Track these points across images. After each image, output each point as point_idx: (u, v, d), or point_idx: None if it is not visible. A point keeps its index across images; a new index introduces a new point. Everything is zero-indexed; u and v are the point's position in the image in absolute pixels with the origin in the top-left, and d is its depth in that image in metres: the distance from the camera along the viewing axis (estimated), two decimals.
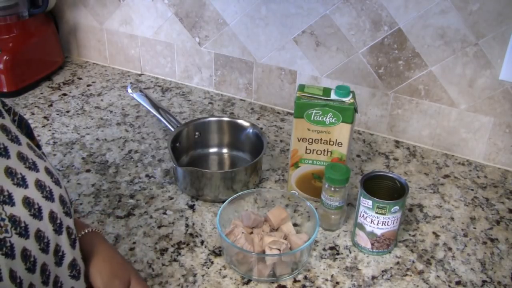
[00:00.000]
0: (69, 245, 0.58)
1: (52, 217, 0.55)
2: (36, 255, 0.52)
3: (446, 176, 1.04)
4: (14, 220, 0.51)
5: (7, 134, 0.56)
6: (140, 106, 1.19)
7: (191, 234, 0.87)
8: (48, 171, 0.58)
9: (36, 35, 1.33)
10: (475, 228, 0.91)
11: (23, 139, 0.58)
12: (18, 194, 0.52)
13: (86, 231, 0.66)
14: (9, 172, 0.53)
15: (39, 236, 0.53)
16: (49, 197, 0.56)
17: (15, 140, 0.56)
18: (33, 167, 0.56)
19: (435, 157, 1.10)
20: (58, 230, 0.56)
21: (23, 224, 0.51)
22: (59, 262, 0.57)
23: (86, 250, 0.63)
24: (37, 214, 0.53)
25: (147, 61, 1.40)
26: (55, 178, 0.58)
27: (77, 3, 1.40)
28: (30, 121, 1.17)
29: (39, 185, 0.55)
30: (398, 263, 0.83)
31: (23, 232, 0.51)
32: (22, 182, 0.53)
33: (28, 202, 0.53)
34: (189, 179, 0.94)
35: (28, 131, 0.70)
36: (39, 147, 0.73)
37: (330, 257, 0.84)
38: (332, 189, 0.85)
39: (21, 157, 0.55)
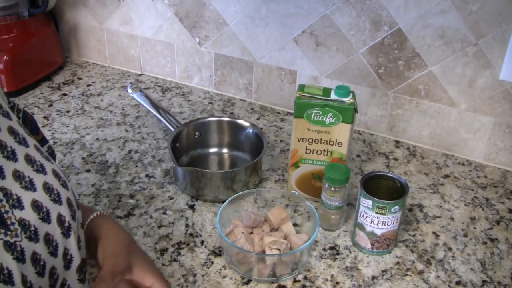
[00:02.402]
0: (77, 248, 0.58)
1: (60, 220, 0.55)
2: (45, 259, 0.52)
3: (446, 176, 1.04)
4: (23, 224, 0.51)
5: (14, 137, 0.56)
6: (140, 106, 1.19)
7: (191, 234, 0.87)
8: (55, 174, 0.58)
9: (36, 35, 1.33)
10: (475, 228, 0.91)
11: (31, 141, 0.58)
12: (26, 197, 0.52)
13: (95, 214, 0.66)
14: (17, 176, 0.52)
15: (48, 240, 0.53)
16: (57, 200, 0.55)
17: (22, 142, 0.56)
18: (41, 169, 0.56)
19: (435, 157, 1.10)
20: (66, 233, 0.56)
21: (32, 228, 0.51)
22: (67, 265, 0.57)
23: (95, 232, 0.63)
24: (45, 217, 0.53)
25: (147, 61, 1.40)
26: (63, 181, 0.58)
27: (77, 3, 1.40)
28: None
29: (47, 188, 0.55)
30: (398, 263, 0.83)
31: (33, 236, 0.51)
32: (30, 185, 0.53)
33: (36, 206, 0.53)
34: (189, 179, 0.94)
35: (32, 126, 0.70)
36: (45, 141, 0.73)
37: (330, 257, 0.84)
38: (332, 189, 0.85)
39: (29, 159, 0.55)
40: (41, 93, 1.31)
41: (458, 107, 1.07)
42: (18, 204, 0.51)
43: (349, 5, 1.07)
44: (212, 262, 0.82)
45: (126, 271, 0.61)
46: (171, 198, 0.95)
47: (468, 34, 0.99)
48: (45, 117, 1.20)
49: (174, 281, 0.78)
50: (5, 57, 1.25)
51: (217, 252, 0.84)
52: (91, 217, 0.65)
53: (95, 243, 0.64)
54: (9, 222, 0.49)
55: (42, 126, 1.16)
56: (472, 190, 1.01)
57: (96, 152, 1.08)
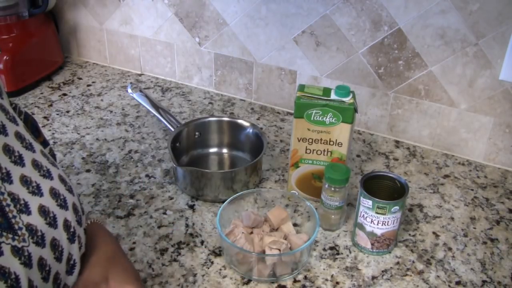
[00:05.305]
0: (79, 254, 0.58)
1: (66, 225, 0.55)
2: (51, 264, 0.52)
3: (446, 176, 1.04)
4: (31, 229, 0.51)
5: (21, 142, 0.55)
6: (140, 106, 1.19)
7: (191, 234, 0.87)
8: (61, 179, 0.58)
9: (36, 35, 1.33)
10: (475, 228, 0.91)
11: (37, 146, 0.58)
12: (34, 202, 0.52)
13: (88, 222, 0.66)
14: (25, 181, 0.52)
15: (54, 245, 0.53)
16: (63, 205, 0.55)
17: (29, 147, 0.56)
18: (48, 175, 0.56)
19: (435, 157, 1.10)
20: (71, 239, 0.56)
21: (39, 233, 0.51)
22: (70, 271, 0.57)
23: (87, 244, 0.63)
24: (52, 222, 0.53)
25: (147, 61, 1.40)
26: (68, 186, 0.58)
27: (77, 3, 1.40)
28: None
29: (54, 193, 0.55)
30: (398, 263, 0.83)
31: (40, 241, 0.51)
32: (37, 191, 0.53)
33: (43, 211, 0.53)
34: (189, 179, 0.94)
35: (33, 130, 0.70)
36: (46, 143, 0.73)
37: (330, 257, 0.84)
38: (332, 189, 0.85)
39: (36, 164, 0.55)
40: (41, 93, 1.31)
41: (458, 107, 1.07)
42: (25, 209, 0.51)
43: (349, 5, 1.07)
44: (212, 262, 0.82)
45: (101, 283, 0.59)
46: (171, 198, 0.95)
47: (468, 34, 0.99)
48: (45, 117, 1.20)
49: (174, 281, 0.78)
50: (5, 57, 1.25)
51: (217, 252, 0.84)
52: (85, 225, 0.65)
53: (84, 253, 0.63)
54: (16, 227, 0.49)
55: (42, 126, 1.16)
56: (472, 190, 1.01)
57: (96, 152, 1.08)
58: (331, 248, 0.86)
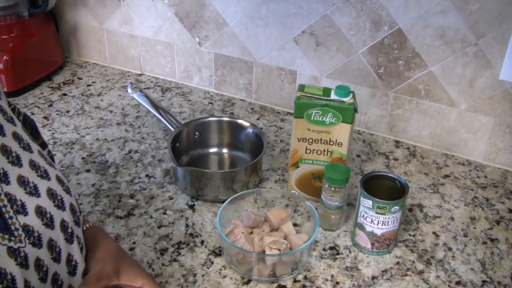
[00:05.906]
0: (80, 253, 0.58)
1: (63, 226, 0.55)
2: (48, 265, 0.52)
3: (446, 176, 1.04)
4: (27, 230, 0.51)
5: (19, 142, 0.55)
6: (140, 106, 1.19)
7: (191, 234, 0.87)
8: (59, 180, 0.58)
9: (36, 35, 1.33)
10: (475, 228, 0.91)
11: (35, 147, 0.58)
12: (31, 203, 0.52)
13: (88, 225, 0.66)
14: (22, 181, 0.52)
15: (52, 246, 0.53)
16: (60, 206, 0.55)
17: (27, 148, 0.56)
18: (45, 175, 0.56)
19: (435, 157, 1.10)
20: (69, 239, 0.56)
21: (36, 234, 0.51)
22: (72, 271, 0.57)
23: (87, 245, 0.63)
24: (49, 223, 0.53)
25: (147, 61, 1.40)
26: (66, 187, 0.58)
27: (77, 3, 1.40)
28: None
29: (51, 194, 0.55)
30: (398, 263, 0.83)
31: (37, 242, 0.51)
32: (34, 191, 0.53)
33: (40, 211, 0.53)
34: (189, 179, 0.94)
35: (32, 131, 0.70)
36: (45, 145, 0.73)
37: (330, 257, 0.84)
38: (332, 189, 0.85)
39: (33, 165, 0.55)
40: (41, 93, 1.31)
41: (458, 107, 1.07)
42: (22, 209, 0.51)
43: (349, 5, 1.07)
44: (212, 262, 0.82)
45: (112, 277, 0.60)
46: (171, 198, 0.95)
47: (468, 34, 0.99)
48: (45, 117, 1.20)
49: (174, 281, 0.78)
50: (5, 57, 1.25)
51: (217, 252, 0.84)
52: (84, 228, 0.65)
53: (86, 254, 0.64)
54: (13, 227, 0.49)
55: (42, 126, 1.16)
56: (472, 190, 1.01)
57: (96, 152, 1.08)
58: (331, 248, 0.86)
